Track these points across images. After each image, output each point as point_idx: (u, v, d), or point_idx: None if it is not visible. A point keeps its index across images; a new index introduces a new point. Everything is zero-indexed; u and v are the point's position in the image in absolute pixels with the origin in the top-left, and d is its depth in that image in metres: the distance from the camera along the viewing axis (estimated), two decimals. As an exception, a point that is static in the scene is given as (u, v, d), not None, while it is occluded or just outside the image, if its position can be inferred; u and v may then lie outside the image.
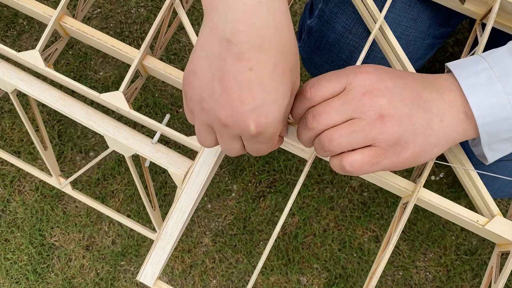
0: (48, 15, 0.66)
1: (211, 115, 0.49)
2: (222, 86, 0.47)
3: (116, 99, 0.64)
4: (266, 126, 0.48)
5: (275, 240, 1.26)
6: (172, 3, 0.67)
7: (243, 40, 0.45)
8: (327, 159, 0.57)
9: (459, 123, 0.53)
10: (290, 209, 1.28)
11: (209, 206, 1.30)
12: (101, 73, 1.38)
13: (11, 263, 1.27)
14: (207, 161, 0.62)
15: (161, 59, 0.68)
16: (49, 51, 0.67)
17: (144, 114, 1.34)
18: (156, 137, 0.64)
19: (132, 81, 0.66)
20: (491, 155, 0.57)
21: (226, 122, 0.48)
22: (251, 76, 0.46)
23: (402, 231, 1.27)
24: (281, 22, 0.46)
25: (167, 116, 0.64)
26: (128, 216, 1.29)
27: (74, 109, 0.65)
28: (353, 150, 0.51)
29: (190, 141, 0.63)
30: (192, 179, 0.62)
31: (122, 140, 0.64)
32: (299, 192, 1.29)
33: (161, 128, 0.64)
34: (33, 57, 0.64)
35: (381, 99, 0.50)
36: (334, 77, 0.51)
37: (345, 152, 0.52)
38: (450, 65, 0.54)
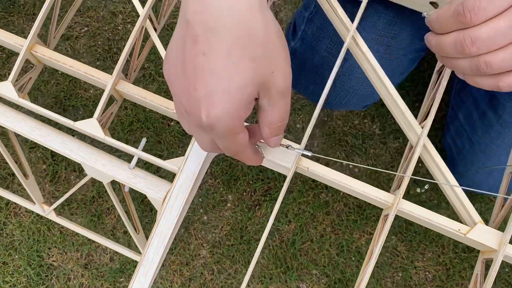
0: (20, 45, 0.66)
1: (176, 99, 0.46)
2: (183, 69, 0.44)
3: (90, 126, 0.63)
4: (216, 119, 0.43)
5: (273, 248, 1.26)
6: (143, 26, 0.67)
7: (199, 22, 0.42)
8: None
9: None
10: (286, 216, 1.28)
11: (205, 217, 1.30)
12: (91, 91, 1.38)
13: (10, 286, 1.27)
14: (185, 183, 0.62)
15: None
16: (23, 81, 0.67)
17: (135, 129, 1.35)
18: (133, 162, 0.64)
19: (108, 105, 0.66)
20: None
21: (186, 107, 0.45)
22: (204, 61, 0.42)
23: (400, 233, 1.27)
24: (238, 4, 0.42)
25: (143, 140, 0.64)
26: (125, 232, 1.29)
27: (50, 138, 0.64)
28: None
29: (167, 165, 0.62)
30: (171, 203, 0.61)
31: (99, 167, 0.64)
32: (294, 199, 1.29)
33: (137, 153, 0.63)
34: (5, 88, 0.64)
35: None
36: None
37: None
38: None
